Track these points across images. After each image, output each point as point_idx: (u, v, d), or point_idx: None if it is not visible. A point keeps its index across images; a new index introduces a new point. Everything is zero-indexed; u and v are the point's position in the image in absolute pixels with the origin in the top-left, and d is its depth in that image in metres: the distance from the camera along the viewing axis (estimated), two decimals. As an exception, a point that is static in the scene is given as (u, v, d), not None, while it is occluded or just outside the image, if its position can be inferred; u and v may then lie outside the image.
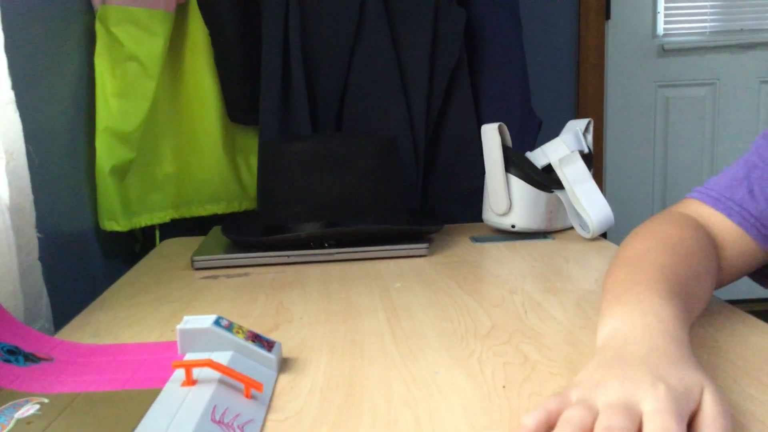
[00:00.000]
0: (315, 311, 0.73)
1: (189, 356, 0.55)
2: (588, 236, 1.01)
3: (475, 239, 1.05)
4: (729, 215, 0.64)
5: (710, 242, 0.62)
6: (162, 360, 0.57)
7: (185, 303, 0.79)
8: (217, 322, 0.56)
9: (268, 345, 0.57)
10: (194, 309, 0.76)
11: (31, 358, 0.56)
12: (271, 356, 0.56)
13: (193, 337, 0.55)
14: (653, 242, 0.61)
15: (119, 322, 0.72)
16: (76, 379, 0.54)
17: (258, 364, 0.55)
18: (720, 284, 0.64)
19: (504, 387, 0.51)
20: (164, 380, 0.51)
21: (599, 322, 0.52)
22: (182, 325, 0.56)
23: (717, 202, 0.65)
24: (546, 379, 0.52)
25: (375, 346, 0.62)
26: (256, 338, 0.57)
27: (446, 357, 0.58)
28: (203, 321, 0.56)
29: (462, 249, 1.00)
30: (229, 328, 0.56)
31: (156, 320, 0.73)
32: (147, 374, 0.54)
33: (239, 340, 0.55)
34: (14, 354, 0.56)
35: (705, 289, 0.59)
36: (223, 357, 0.54)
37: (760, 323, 0.63)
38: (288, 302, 0.77)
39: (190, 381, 0.49)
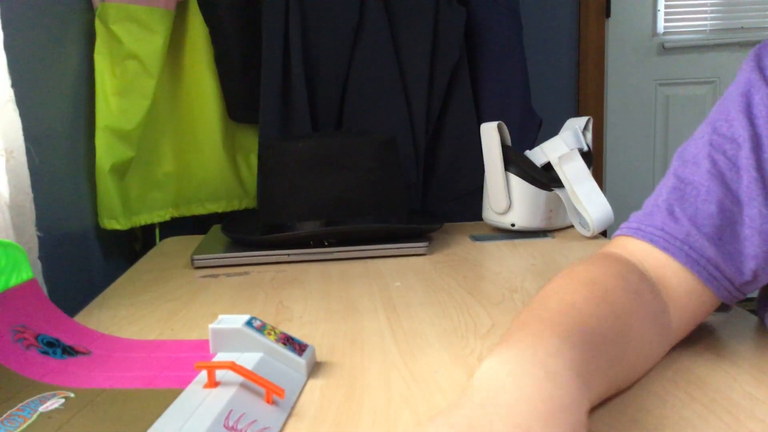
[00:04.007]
0: (315, 310, 0.73)
1: (219, 356, 0.54)
2: (588, 234, 1.01)
3: (475, 238, 1.05)
4: (652, 242, 0.55)
5: (642, 277, 0.53)
6: (193, 359, 0.57)
7: (185, 302, 0.79)
8: (249, 323, 0.55)
9: (299, 348, 0.56)
10: (194, 308, 0.76)
11: (68, 351, 0.56)
12: (301, 360, 0.55)
13: (224, 337, 0.55)
14: (566, 281, 0.51)
15: (119, 321, 0.72)
16: (107, 374, 0.54)
17: (287, 367, 0.54)
18: (676, 332, 0.55)
19: (504, 386, 0.51)
20: (189, 380, 0.51)
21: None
22: (215, 324, 0.56)
23: (637, 232, 0.56)
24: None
25: (375, 344, 0.62)
26: (288, 341, 0.56)
27: (446, 355, 0.58)
28: (235, 321, 0.56)
29: (462, 248, 1.00)
30: (261, 329, 0.55)
31: (156, 319, 0.73)
32: (174, 373, 0.54)
33: (269, 342, 0.54)
34: (53, 346, 0.56)
35: (637, 331, 0.49)
36: (252, 359, 0.53)
37: (760, 323, 0.63)
38: (288, 301, 0.77)
39: (212, 383, 0.49)
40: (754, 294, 0.61)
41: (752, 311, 0.66)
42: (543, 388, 0.36)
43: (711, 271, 0.54)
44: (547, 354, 0.39)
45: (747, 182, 0.53)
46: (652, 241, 0.55)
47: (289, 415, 0.48)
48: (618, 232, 0.59)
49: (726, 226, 0.53)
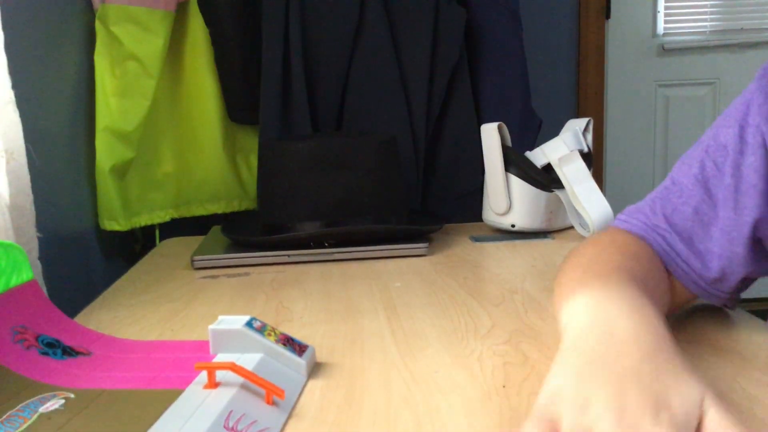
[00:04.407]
0: (315, 311, 0.73)
1: (219, 357, 0.55)
2: (588, 235, 1.01)
3: (475, 239, 1.05)
4: (630, 230, 0.62)
5: (652, 251, 0.60)
6: (193, 359, 0.57)
7: (185, 302, 0.79)
8: (249, 324, 0.55)
9: (299, 349, 0.56)
10: (194, 309, 0.76)
11: (69, 352, 0.57)
12: (301, 361, 0.55)
13: (224, 338, 0.55)
14: (601, 246, 0.59)
15: (119, 322, 0.72)
16: (107, 374, 0.54)
17: (288, 368, 0.54)
18: (675, 300, 0.61)
19: (504, 386, 0.52)
20: (189, 381, 0.51)
21: (559, 312, 0.50)
22: (215, 325, 0.56)
23: (623, 223, 0.63)
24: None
25: (375, 345, 0.62)
26: (288, 341, 0.56)
27: (446, 356, 0.58)
28: (235, 322, 0.56)
29: (462, 248, 1.00)
30: (262, 330, 0.55)
31: (156, 319, 0.73)
32: (175, 373, 0.54)
33: (269, 343, 0.54)
34: (53, 347, 0.56)
35: (664, 293, 0.57)
36: (252, 359, 0.53)
37: (760, 323, 0.63)
38: (288, 302, 0.77)
39: (212, 383, 0.49)
40: (756, 295, 0.61)
41: (752, 312, 0.66)
42: (655, 338, 0.41)
43: (679, 263, 0.59)
44: (633, 299, 0.46)
45: (725, 186, 0.57)
46: (630, 230, 0.62)
47: (289, 416, 0.49)
48: (613, 222, 0.66)
49: (699, 227, 0.59)
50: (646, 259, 0.57)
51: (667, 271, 0.60)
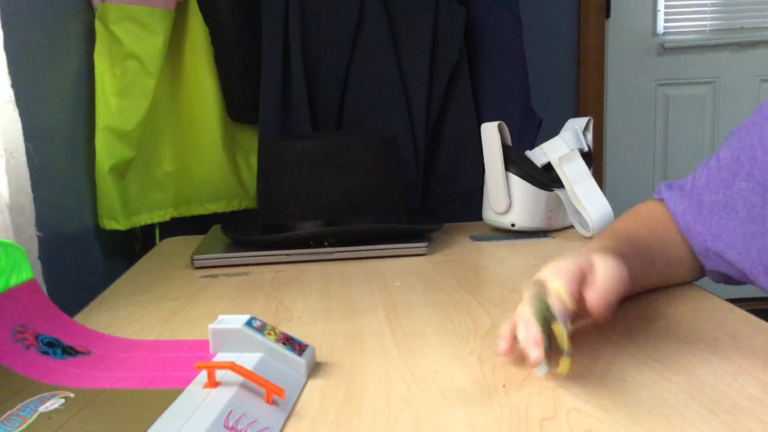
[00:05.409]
0: (315, 310, 0.73)
1: (219, 356, 0.55)
2: (588, 235, 1.01)
3: (475, 238, 1.05)
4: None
5: (676, 226, 0.73)
6: (193, 359, 0.57)
7: (185, 302, 0.79)
8: (249, 323, 0.55)
9: (299, 348, 0.56)
10: (194, 308, 0.76)
11: (68, 351, 0.57)
12: (301, 360, 0.55)
13: (224, 337, 0.55)
14: (626, 215, 0.77)
15: (119, 321, 0.72)
16: (107, 374, 0.54)
17: (287, 368, 0.55)
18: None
19: (504, 386, 0.52)
20: (189, 380, 0.51)
21: None
22: (214, 324, 0.56)
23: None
24: (546, 378, 0.52)
25: (375, 344, 0.62)
26: (288, 341, 0.56)
27: (446, 356, 0.58)
28: (235, 321, 0.56)
29: (462, 248, 1.00)
30: (261, 329, 0.55)
31: (156, 319, 0.73)
32: (175, 373, 0.54)
33: (269, 342, 0.54)
34: (53, 346, 0.56)
35: (667, 251, 0.71)
36: (251, 359, 0.53)
37: (760, 323, 0.63)
38: (288, 301, 0.77)
39: (212, 383, 0.49)
40: (756, 295, 0.61)
41: (752, 312, 0.66)
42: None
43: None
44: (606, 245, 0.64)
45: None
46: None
47: (289, 415, 0.49)
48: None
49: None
50: (656, 221, 0.73)
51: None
